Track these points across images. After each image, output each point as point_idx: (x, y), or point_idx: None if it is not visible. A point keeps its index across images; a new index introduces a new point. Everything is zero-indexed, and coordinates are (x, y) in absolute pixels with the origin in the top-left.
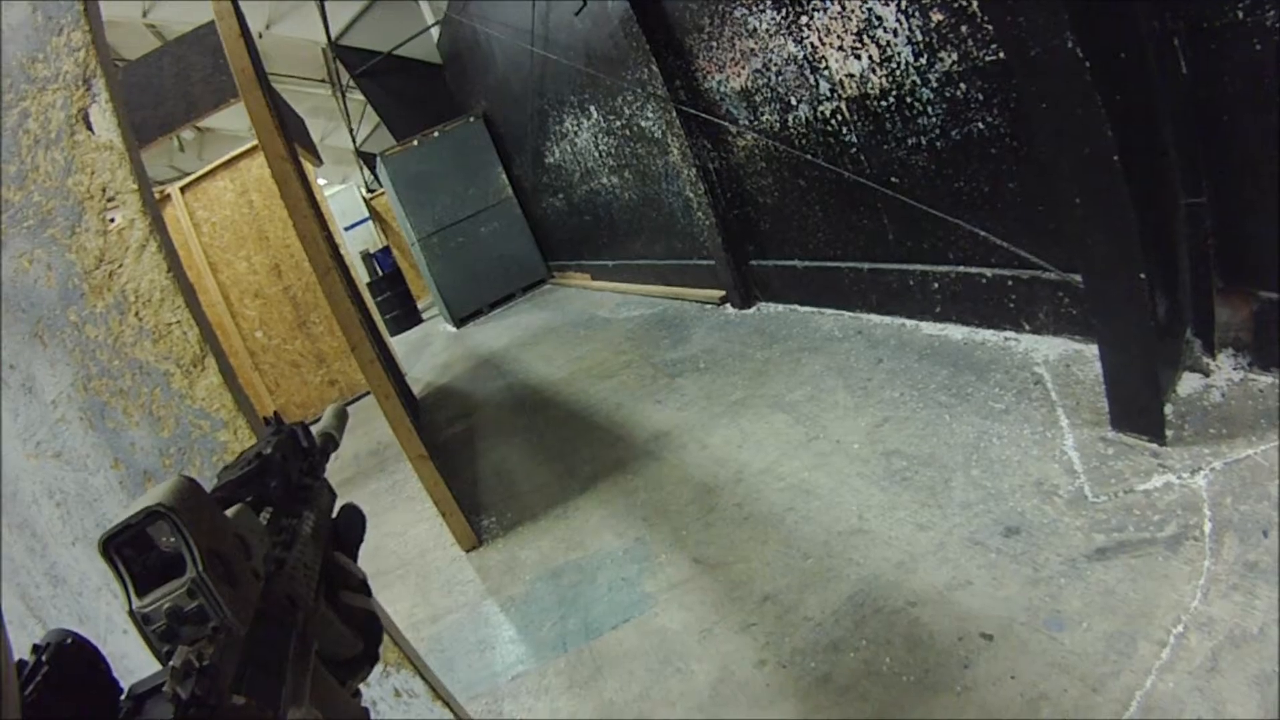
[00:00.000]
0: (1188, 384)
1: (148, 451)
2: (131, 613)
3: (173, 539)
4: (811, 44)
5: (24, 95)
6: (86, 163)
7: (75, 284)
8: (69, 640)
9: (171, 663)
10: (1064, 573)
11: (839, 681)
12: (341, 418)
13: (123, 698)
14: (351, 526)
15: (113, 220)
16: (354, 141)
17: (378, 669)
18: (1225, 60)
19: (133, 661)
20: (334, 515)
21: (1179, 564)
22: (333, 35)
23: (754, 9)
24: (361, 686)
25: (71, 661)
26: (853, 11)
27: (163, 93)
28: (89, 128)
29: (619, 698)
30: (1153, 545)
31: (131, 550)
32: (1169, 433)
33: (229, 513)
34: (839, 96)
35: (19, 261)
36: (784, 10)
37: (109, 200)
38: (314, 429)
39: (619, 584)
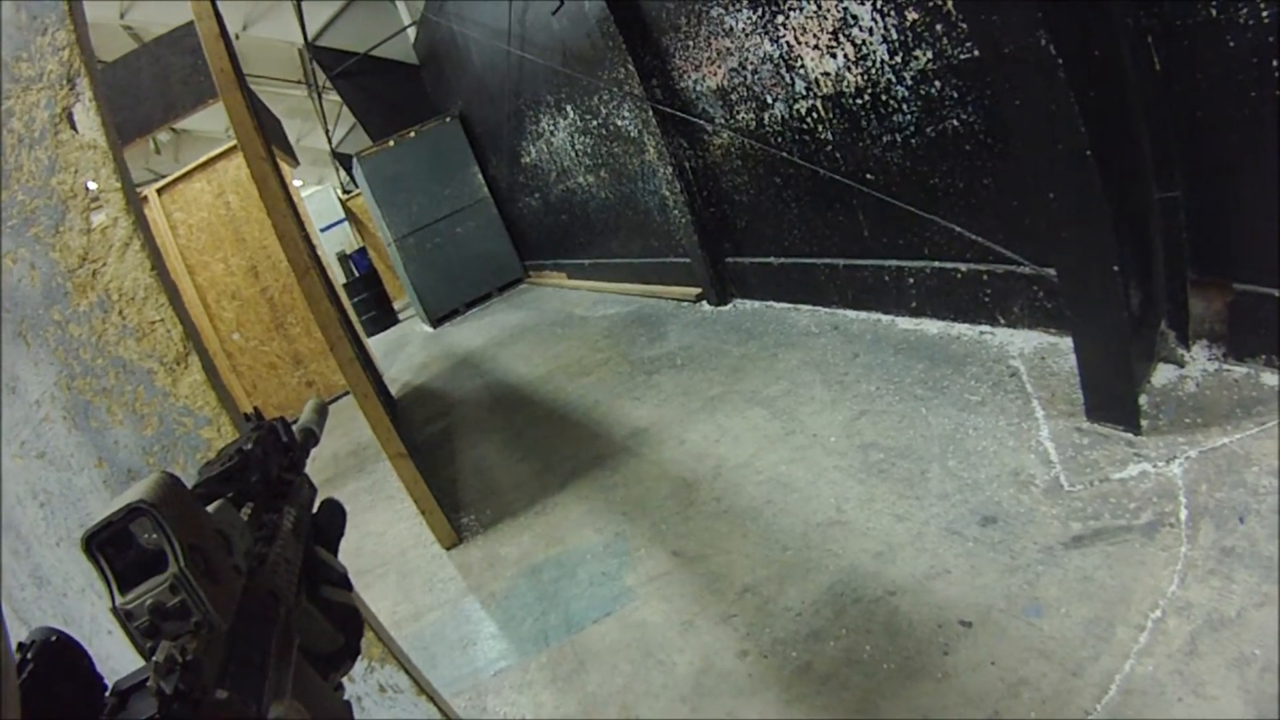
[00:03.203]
0: (1162, 375)
1: (131, 450)
2: (115, 610)
3: (154, 535)
4: (787, 43)
5: (8, 94)
6: (70, 161)
7: (59, 283)
8: (54, 637)
9: (155, 658)
10: (1041, 560)
11: (820, 670)
12: (321, 413)
13: (107, 694)
14: (332, 521)
15: (95, 219)
16: (330, 143)
17: (362, 665)
18: (1199, 57)
19: (118, 663)
20: (314, 510)
21: (1155, 550)
22: (309, 36)
23: (730, 8)
24: (346, 682)
25: (57, 659)
26: (828, 10)
27: (141, 94)
28: (73, 127)
29: (602, 691)
30: (1129, 532)
31: (113, 548)
32: (1144, 422)
33: (210, 508)
34: (815, 95)
35: (3, 261)
36: (760, 9)
37: (92, 199)
38: (294, 425)
39: (599, 578)
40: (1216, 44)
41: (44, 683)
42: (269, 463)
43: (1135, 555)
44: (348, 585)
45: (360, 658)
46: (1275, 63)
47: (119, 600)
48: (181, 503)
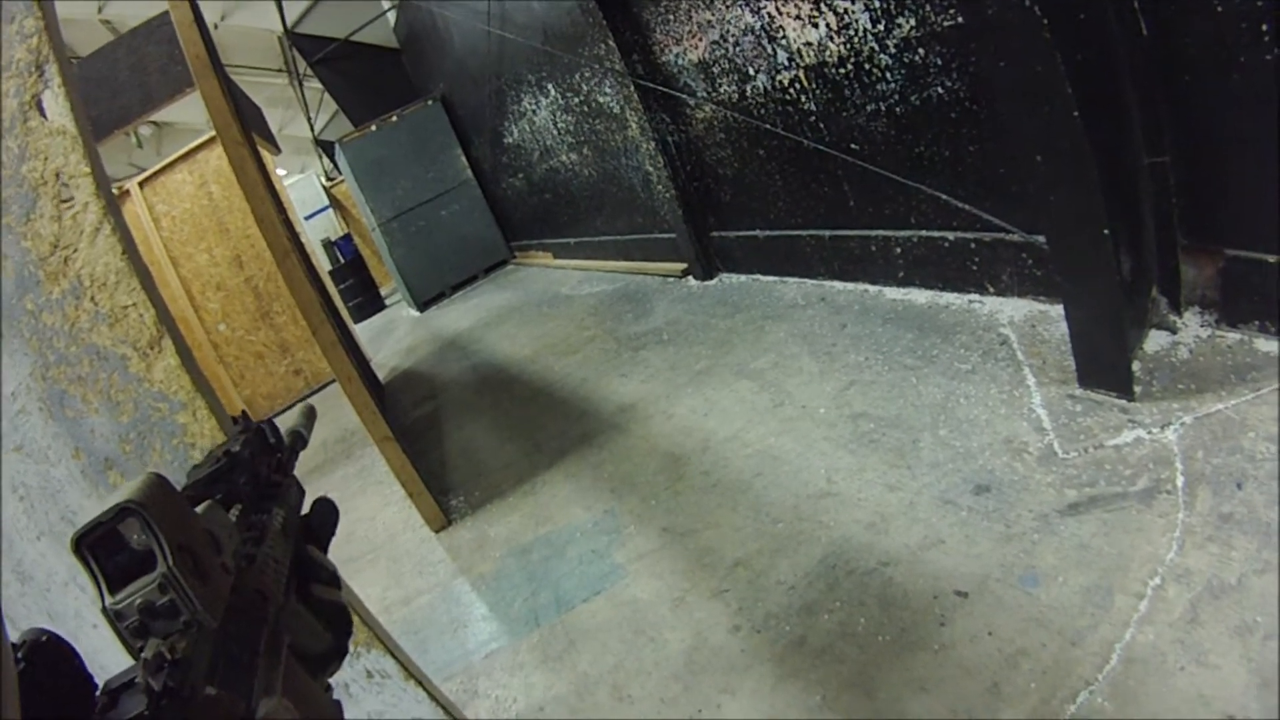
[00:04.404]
0: (1155, 341)
1: (108, 438)
2: (105, 610)
3: (143, 536)
4: (769, 14)
5: None
6: (40, 149)
7: (31, 271)
8: (44, 638)
9: (144, 655)
10: (1037, 528)
11: (814, 644)
12: (310, 416)
13: (98, 693)
14: (325, 520)
15: (69, 203)
16: (312, 130)
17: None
18: (1186, 21)
19: (105, 658)
20: (307, 510)
21: (1153, 517)
22: (288, 23)
23: None
24: None
25: (48, 659)
26: None
27: (119, 85)
28: (42, 113)
29: (593, 670)
30: (1125, 499)
31: (103, 548)
32: (1137, 389)
33: (198, 509)
34: (797, 65)
35: None
36: None
37: (63, 186)
38: (283, 427)
39: (589, 556)
40: (1204, 8)
41: (37, 682)
42: (257, 465)
43: (1132, 522)
44: (337, 584)
45: None
46: (1265, 27)
47: (109, 601)
48: (170, 502)
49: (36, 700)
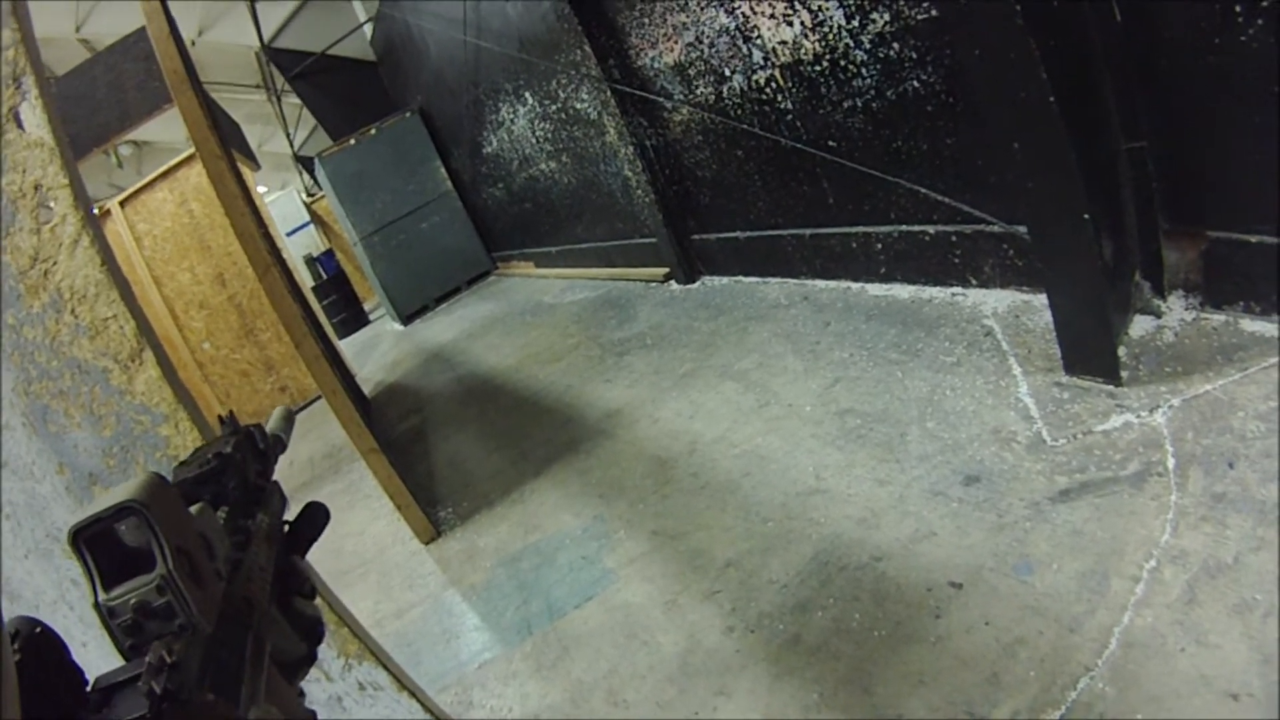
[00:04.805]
0: (1139, 326)
1: (91, 453)
2: (97, 605)
3: (139, 535)
4: (743, 14)
5: None
6: (18, 161)
7: (11, 286)
8: (38, 629)
9: (148, 658)
10: (1029, 517)
11: (809, 642)
12: (288, 420)
13: (88, 689)
14: (313, 524)
15: (48, 216)
16: (291, 146)
17: (339, 662)
18: (1160, 5)
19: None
20: (298, 513)
21: (1145, 500)
22: (265, 38)
23: None
24: (324, 681)
25: (42, 651)
26: None
27: (97, 103)
28: (20, 125)
29: (587, 676)
30: (1117, 483)
31: (98, 544)
32: (1124, 374)
33: (191, 510)
34: (772, 64)
35: None
36: None
37: (42, 198)
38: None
39: (579, 563)
40: None
41: (32, 675)
42: (246, 468)
43: (1125, 506)
44: (314, 594)
45: (337, 655)
46: (1239, 9)
47: (102, 596)
48: (170, 503)
49: (31, 693)
